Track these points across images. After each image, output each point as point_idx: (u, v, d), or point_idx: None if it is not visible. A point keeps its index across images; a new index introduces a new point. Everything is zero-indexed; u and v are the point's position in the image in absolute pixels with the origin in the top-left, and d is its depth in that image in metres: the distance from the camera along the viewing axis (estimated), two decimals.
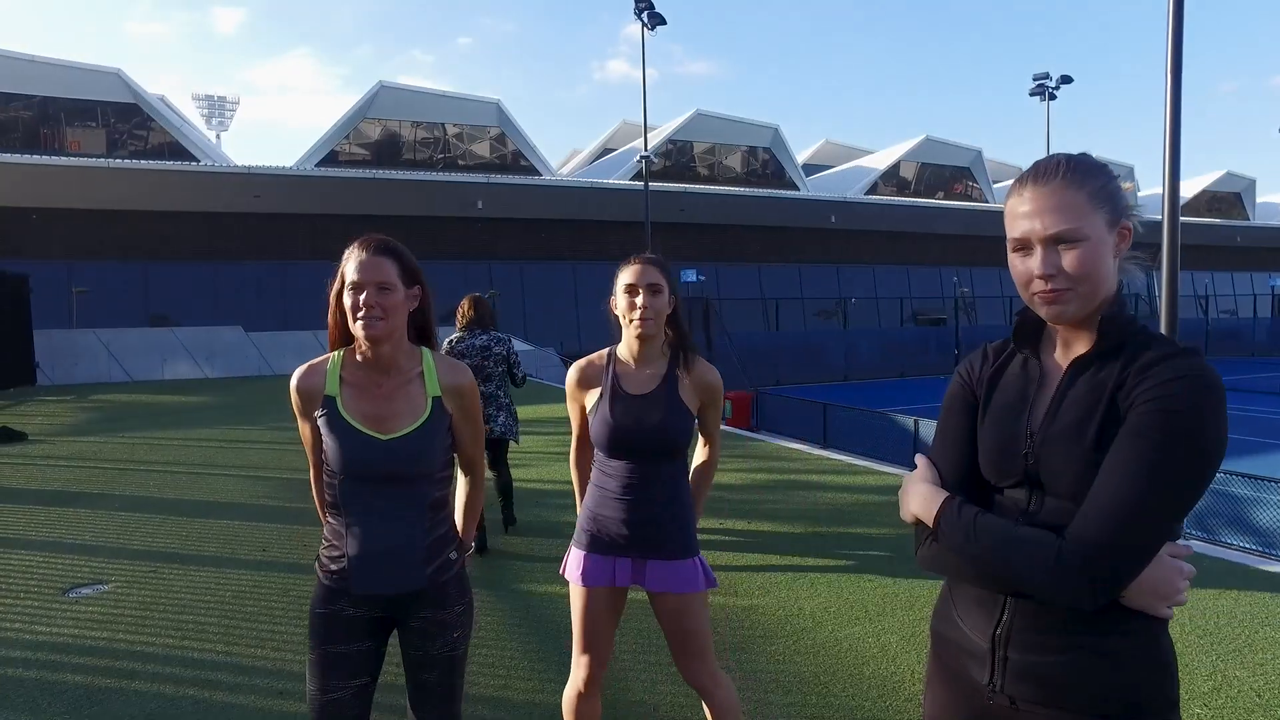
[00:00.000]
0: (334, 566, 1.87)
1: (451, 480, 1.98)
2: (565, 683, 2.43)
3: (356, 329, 1.80)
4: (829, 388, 22.25)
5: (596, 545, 2.28)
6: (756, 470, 7.86)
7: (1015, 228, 1.23)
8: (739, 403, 13.25)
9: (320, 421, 1.85)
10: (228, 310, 23.72)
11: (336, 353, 1.91)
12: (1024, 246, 1.22)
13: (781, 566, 4.86)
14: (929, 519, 1.28)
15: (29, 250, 22.36)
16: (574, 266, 28.96)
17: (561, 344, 24.37)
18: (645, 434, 2.21)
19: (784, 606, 4.20)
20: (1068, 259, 1.18)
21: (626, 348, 2.32)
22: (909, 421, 10.79)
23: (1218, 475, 6.03)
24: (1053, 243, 1.19)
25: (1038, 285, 1.20)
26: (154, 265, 24.31)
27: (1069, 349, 1.27)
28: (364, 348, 1.85)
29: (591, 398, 2.32)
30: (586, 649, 2.31)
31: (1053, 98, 32.21)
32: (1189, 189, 41.97)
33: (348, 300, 1.81)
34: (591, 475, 2.37)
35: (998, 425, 1.30)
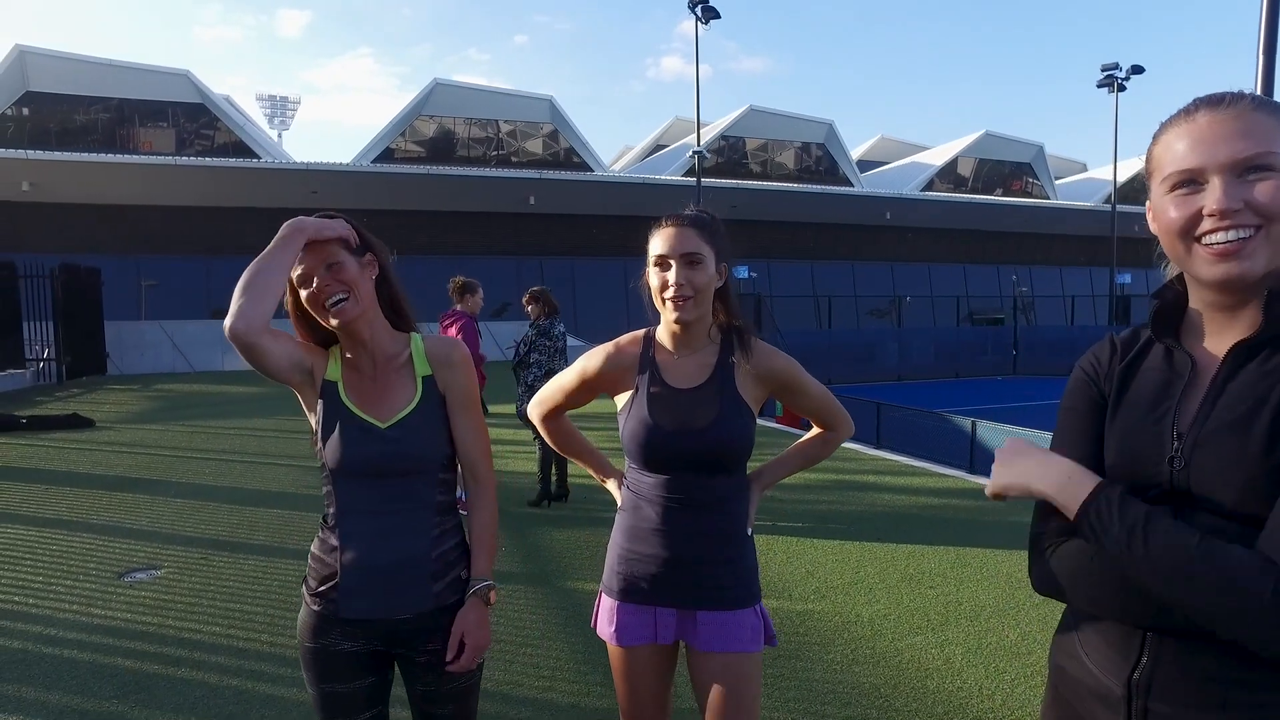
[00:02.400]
0: (322, 586, 1.65)
1: (457, 486, 1.77)
2: (612, 686, 2.22)
3: (330, 321, 1.63)
4: (882, 387, 21.75)
5: (632, 592, 1.79)
6: (812, 470, 7.62)
7: (1179, 160, 0.99)
8: None
9: (320, 409, 1.68)
10: None
11: (336, 345, 1.75)
12: (1190, 182, 0.98)
13: (838, 570, 4.66)
14: (1070, 505, 0.99)
15: (102, 245, 23.21)
16: (625, 263, 28.86)
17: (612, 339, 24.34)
18: (693, 438, 1.72)
19: (841, 613, 4.01)
20: (1260, 190, 0.93)
21: (666, 331, 1.84)
22: (966, 423, 10.41)
23: None
24: (1237, 171, 0.94)
25: (1208, 225, 0.96)
26: (216, 260, 25.03)
27: (1223, 334, 1.03)
28: (347, 340, 1.70)
29: (622, 395, 1.85)
30: None
31: (1122, 89, 30.85)
32: None
33: (305, 296, 1.64)
34: (622, 497, 1.88)
35: (1134, 426, 1.06)
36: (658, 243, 1.77)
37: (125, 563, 4.77)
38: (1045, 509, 1.12)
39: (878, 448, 9.92)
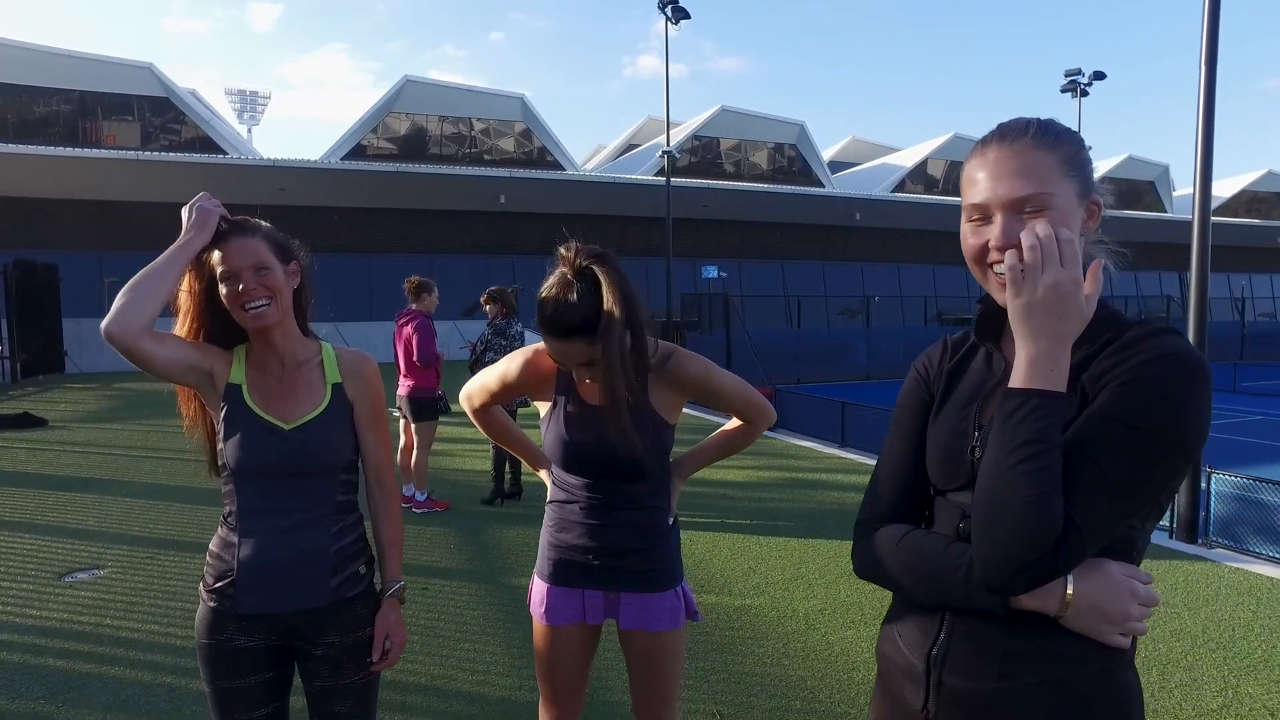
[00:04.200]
0: (218, 583, 1.67)
1: (358, 487, 1.80)
2: None
3: (245, 320, 1.65)
4: (851, 386, 21.95)
5: (561, 576, 1.91)
6: (765, 468, 7.74)
7: (972, 192, 1.07)
8: None
9: (224, 412, 1.69)
10: None
11: (241, 345, 1.76)
12: (981, 215, 1.07)
13: (780, 567, 4.75)
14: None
15: (61, 241, 22.76)
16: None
17: None
18: (608, 451, 1.80)
19: (778, 607, 4.09)
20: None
21: None
22: None
23: (1245, 481, 5.70)
24: (1015, 210, 1.04)
25: (994, 256, 1.06)
26: None
27: None
28: (257, 341, 1.71)
29: (542, 403, 1.94)
30: (553, 699, 1.95)
31: (1084, 94, 31.46)
32: (1227, 188, 40.87)
33: (225, 292, 1.64)
34: (550, 490, 2.00)
35: (947, 422, 1.16)
36: (550, 350, 1.77)
37: (67, 563, 4.72)
38: (868, 499, 1.22)
39: (842, 447, 10.02)
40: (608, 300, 1.63)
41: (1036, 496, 0.93)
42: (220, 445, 1.70)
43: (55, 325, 17.89)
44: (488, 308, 6.38)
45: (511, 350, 6.94)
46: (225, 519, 1.71)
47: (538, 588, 1.97)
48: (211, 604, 1.68)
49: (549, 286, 1.69)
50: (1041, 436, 0.95)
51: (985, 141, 1.09)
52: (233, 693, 1.68)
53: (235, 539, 1.67)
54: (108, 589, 4.29)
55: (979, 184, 1.07)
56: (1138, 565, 1.05)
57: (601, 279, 1.64)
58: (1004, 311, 1.17)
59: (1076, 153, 1.06)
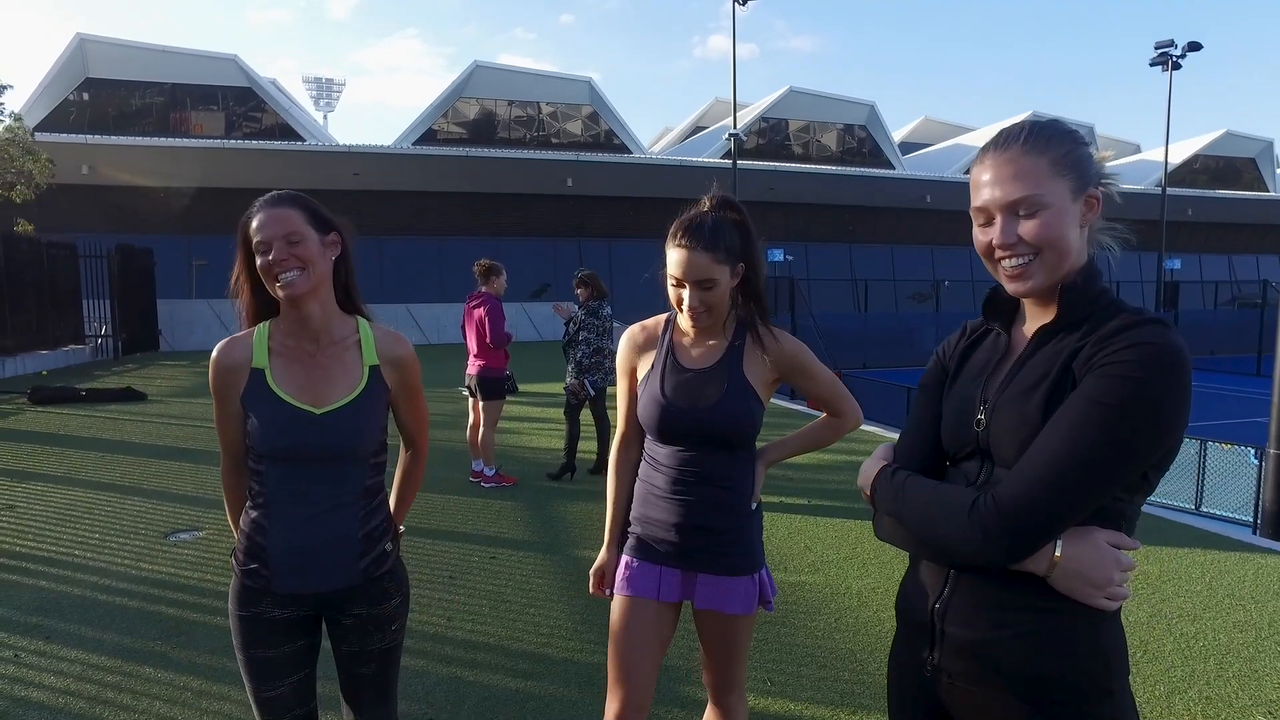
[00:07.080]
0: (253, 564, 1.68)
1: (386, 468, 1.80)
2: (604, 643, 2.34)
3: (277, 291, 1.62)
4: (919, 372, 21.62)
5: (642, 550, 1.95)
6: (825, 450, 7.76)
7: (976, 196, 1.19)
8: None
9: (246, 399, 1.66)
10: None
11: (263, 324, 1.72)
12: (985, 217, 1.19)
13: (835, 546, 4.84)
14: (865, 487, 1.31)
15: (155, 226, 24.11)
16: (662, 244, 28.94)
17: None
18: (700, 415, 1.85)
19: (832, 585, 4.20)
20: (1026, 227, 1.13)
21: (685, 319, 1.95)
22: None
23: None
24: (1012, 211, 1.14)
25: (999, 254, 1.17)
26: None
27: (1037, 320, 1.22)
28: (291, 313, 1.68)
29: (644, 369, 1.98)
30: (622, 678, 1.92)
31: (1177, 67, 29.78)
32: None
33: (259, 264, 1.62)
34: (640, 468, 2.02)
35: (959, 395, 1.27)
36: (673, 260, 1.85)
37: (171, 524, 5.15)
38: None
39: None
40: (748, 222, 1.91)
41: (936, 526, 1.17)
42: (247, 428, 1.69)
43: (151, 306, 19.01)
44: (579, 291, 6.67)
45: (602, 329, 7.19)
46: (254, 497, 1.71)
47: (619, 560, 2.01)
48: (247, 581, 1.70)
49: (694, 211, 1.90)
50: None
51: (984, 149, 1.20)
52: (266, 661, 1.71)
53: (265, 522, 1.67)
54: (207, 548, 4.68)
55: (981, 189, 1.18)
56: (1130, 535, 1.15)
57: (741, 212, 1.91)
58: (1011, 296, 1.28)
59: (1069, 152, 1.15)
